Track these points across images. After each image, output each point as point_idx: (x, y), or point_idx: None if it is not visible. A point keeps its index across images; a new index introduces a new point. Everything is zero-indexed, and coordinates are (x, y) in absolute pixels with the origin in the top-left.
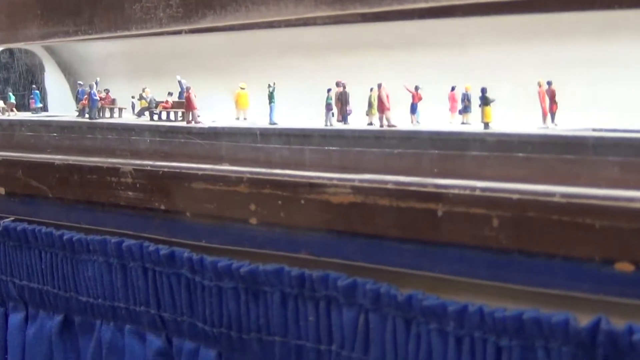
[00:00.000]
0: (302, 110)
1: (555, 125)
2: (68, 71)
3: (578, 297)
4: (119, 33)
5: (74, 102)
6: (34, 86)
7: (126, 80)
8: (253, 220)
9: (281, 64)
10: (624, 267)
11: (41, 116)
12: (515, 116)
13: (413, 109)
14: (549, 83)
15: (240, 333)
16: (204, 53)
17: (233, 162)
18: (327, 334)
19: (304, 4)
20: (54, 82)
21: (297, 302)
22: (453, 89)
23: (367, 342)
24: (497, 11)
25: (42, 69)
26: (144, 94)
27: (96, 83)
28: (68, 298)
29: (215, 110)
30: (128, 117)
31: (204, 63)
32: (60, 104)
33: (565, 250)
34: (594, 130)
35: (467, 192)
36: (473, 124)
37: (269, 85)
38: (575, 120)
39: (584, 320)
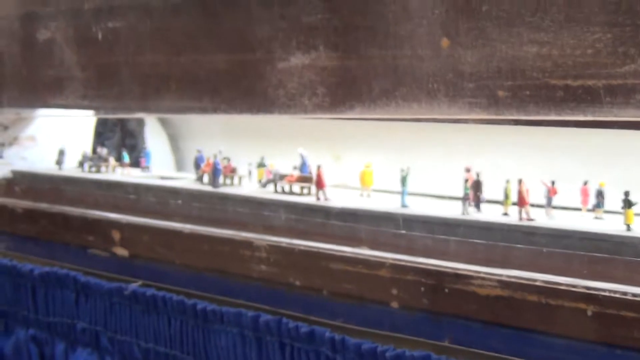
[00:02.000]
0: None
1: None
2: (167, 126)
3: None
4: (260, 115)
5: (171, 157)
6: (145, 146)
7: (225, 139)
8: (394, 304)
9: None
10: None
11: (161, 180)
12: None
13: (548, 202)
14: None
15: None
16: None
17: (373, 245)
18: None
19: (458, 106)
20: (153, 136)
21: None
22: (585, 183)
23: None
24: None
25: (142, 125)
26: (264, 164)
27: (220, 152)
28: None
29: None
30: (248, 187)
31: (305, 128)
32: (157, 157)
33: None
34: None
35: (619, 295)
36: (606, 219)
37: (402, 169)
38: None
39: None
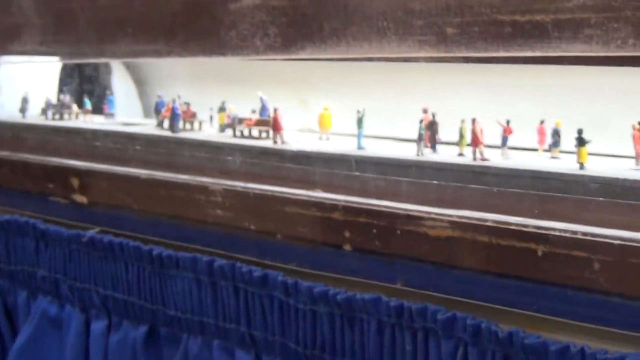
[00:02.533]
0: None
1: None
2: (134, 71)
3: None
4: (214, 57)
5: (138, 103)
6: (108, 92)
7: (193, 83)
8: (347, 247)
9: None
10: None
11: (122, 127)
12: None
13: (504, 142)
14: None
15: (334, 356)
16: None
17: (326, 188)
18: None
19: (407, 44)
20: (119, 82)
21: (394, 331)
22: (542, 122)
23: None
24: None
25: (100, 70)
26: (225, 108)
27: (179, 97)
28: (154, 310)
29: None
30: (208, 131)
31: (273, 72)
32: (124, 103)
33: None
34: None
35: (569, 235)
36: (562, 159)
37: (358, 111)
38: None
39: None
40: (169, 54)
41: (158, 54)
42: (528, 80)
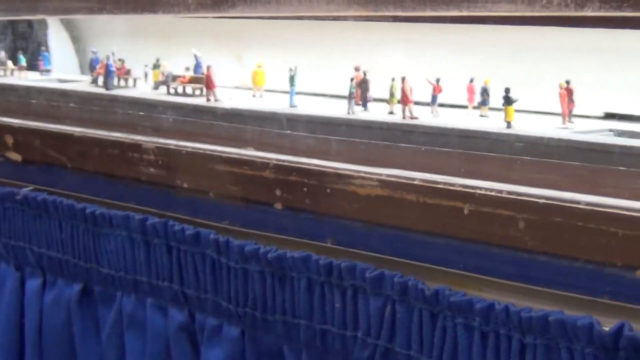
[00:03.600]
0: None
1: (572, 122)
2: (70, 27)
3: (601, 302)
4: (145, 14)
5: (75, 59)
6: (42, 48)
7: (130, 40)
8: (278, 205)
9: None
10: None
11: (57, 83)
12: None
13: (433, 100)
14: (568, 82)
15: (265, 314)
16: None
17: (258, 146)
18: (353, 321)
19: (336, 2)
20: (56, 38)
21: (324, 289)
22: (471, 80)
23: (393, 331)
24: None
25: (45, 26)
26: (159, 65)
27: (112, 54)
28: (88, 268)
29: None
30: (143, 89)
31: (208, 27)
32: (61, 59)
33: (588, 255)
34: (610, 130)
35: (494, 193)
36: (491, 117)
37: (290, 69)
38: (586, 108)
39: (606, 324)
40: (101, 11)
41: (90, 11)
42: (461, 37)
